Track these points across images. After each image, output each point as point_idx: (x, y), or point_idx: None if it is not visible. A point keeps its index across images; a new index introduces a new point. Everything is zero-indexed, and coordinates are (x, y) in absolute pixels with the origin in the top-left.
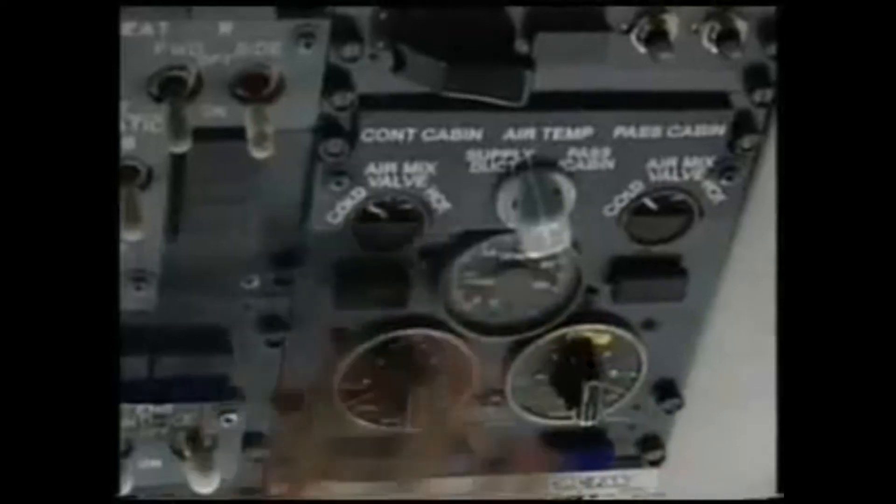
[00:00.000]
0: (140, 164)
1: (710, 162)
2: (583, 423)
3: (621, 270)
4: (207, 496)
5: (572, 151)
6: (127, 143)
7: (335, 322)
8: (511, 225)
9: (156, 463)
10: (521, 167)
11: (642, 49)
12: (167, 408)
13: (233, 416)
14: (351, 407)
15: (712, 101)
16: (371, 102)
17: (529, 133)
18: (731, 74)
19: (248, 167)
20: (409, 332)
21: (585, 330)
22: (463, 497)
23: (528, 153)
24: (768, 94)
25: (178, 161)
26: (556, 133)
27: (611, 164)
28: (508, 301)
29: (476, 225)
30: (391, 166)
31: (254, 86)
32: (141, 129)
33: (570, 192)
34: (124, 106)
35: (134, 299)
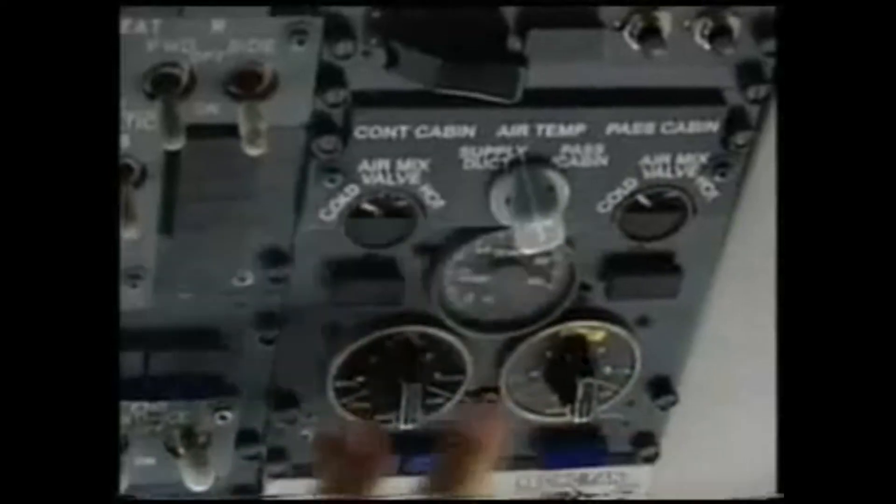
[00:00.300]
0: (134, 162)
1: (703, 158)
2: (577, 420)
3: (615, 267)
4: (203, 494)
5: (566, 148)
6: (121, 141)
7: (329, 319)
8: (505, 222)
9: (150, 460)
10: (515, 164)
11: (635, 46)
12: (162, 405)
13: (227, 414)
14: (345, 404)
15: (705, 98)
16: (364, 99)
17: (523, 130)
18: (725, 71)
19: (241, 164)
20: (404, 329)
21: (579, 327)
22: (462, 497)
23: (522, 150)
24: (762, 91)
25: (171, 158)
26: (550, 130)
27: (604, 161)
28: (502, 298)
29: (470, 222)
30: (384, 163)
31: (247, 83)
32: (134, 127)
33: (563, 189)
34: None
35: (128, 297)
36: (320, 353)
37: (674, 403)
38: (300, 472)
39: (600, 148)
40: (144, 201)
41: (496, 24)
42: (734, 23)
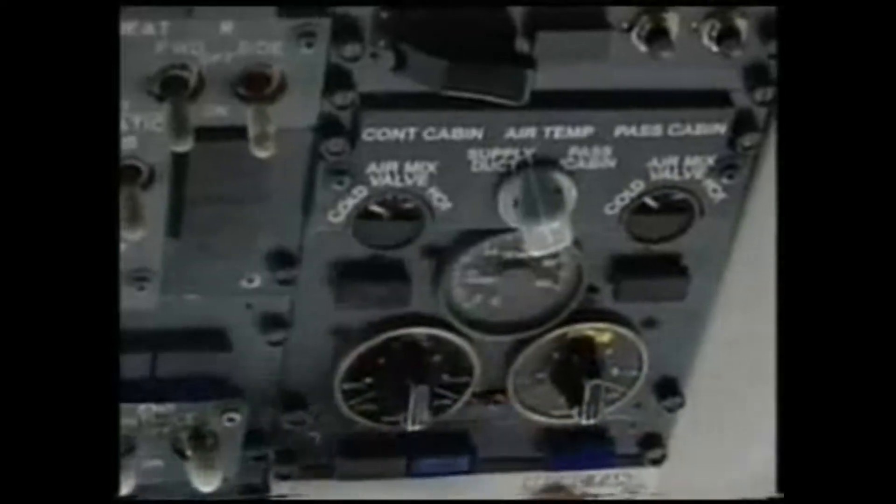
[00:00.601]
0: (142, 164)
1: (710, 160)
2: (584, 422)
3: (622, 269)
4: (210, 496)
5: (573, 150)
6: (128, 143)
7: (336, 321)
8: (512, 224)
9: (158, 462)
10: (522, 166)
11: (643, 48)
12: (169, 407)
13: (234, 416)
14: (352, 406)
15: (713, 100)
16: (372, 101)
17: (530, 132)
18: (732, 73)
19: (249, 166)
20: (411, 330)
21: (587, 328)
22: (466, 497)
23: (529, 152)
24: (769, 93)
25: (179, 160)
26: (557, 132)
27: (612, 163)
28: (510, 299)
29: (477, 224)
30: (392, 165)
31: (255, 85)
32: (142, 129)
33: (570, 191)
34: (126, 105)
35: (136, 299)
36: (328, 355)
37: (681, 405)
38: (307, 473)
39: (608, 150)
40: (152, 203)
41: (504, 26)
42: (742, 25)
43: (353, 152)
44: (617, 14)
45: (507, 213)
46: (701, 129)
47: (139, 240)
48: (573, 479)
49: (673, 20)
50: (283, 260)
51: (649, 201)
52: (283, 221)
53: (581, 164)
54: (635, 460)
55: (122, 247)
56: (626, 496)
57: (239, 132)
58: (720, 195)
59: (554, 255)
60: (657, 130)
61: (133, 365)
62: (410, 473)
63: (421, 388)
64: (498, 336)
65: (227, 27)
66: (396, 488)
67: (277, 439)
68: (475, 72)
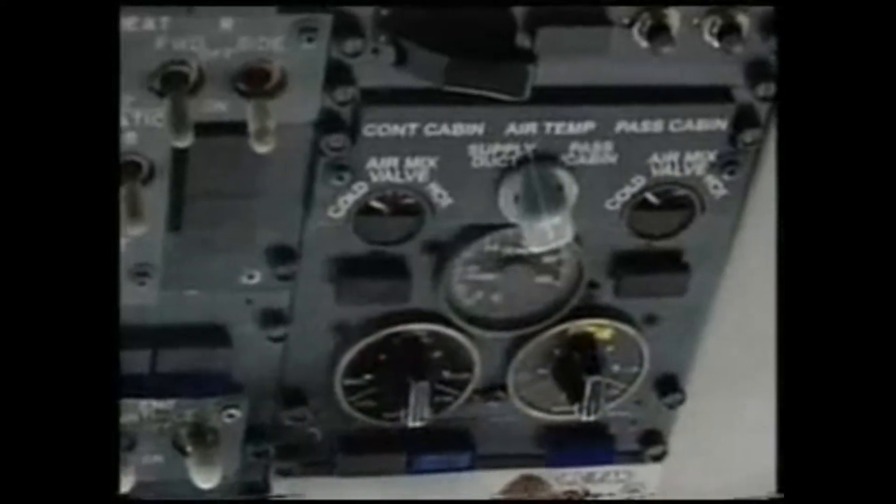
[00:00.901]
0: (142, 159)
1: (711, 156)
2: (584, 419)
3: (623, 265)
4: (209, 493)
5: (574, 146)
6: (129, 138)
7: (337, 317)
8: (513, 220)
9: (158, 458)
10: (523, 162)
11: (644, 43)
12: (169, 403)
13: (235, 412)
14: (353, 402)
15: (714, 96)
16: (373, 97)
17: (531, 127)
18: (733, 68)
19: (249, 162)
20: (412, 326)
21: (587, 325)
22: (463, 497)
23: (530, 148)
24: (770, 89)
25: (179, 156)
26: (558, 127)
27: (612, 159)
28: (510, 295)
29: (478, 219)
30: (393, 161)
31: (255, 80)
32: (143, 124)
33: (571, 187)
34: (126, 101)
35: (136, 294)
36: (328, 351)
37: (681, 402)
38: (308, 469)
39: (609, 146)
40: (152, 198)
41: (505, 22)
42: (743, 20)
43: (354, 148)
44: (618, 10)
45: (508, 208)
46: (702, 125)
47: (139, 235)
48: (573, 476)
49: (674, 16)
50: (283, 255)
51: (650, 197)
52: (284, 217)
53: (582, 160)
54: (636, 457)
55: (123, 242)
56: (626, 494)
57: (239, 127)
58: (721, 191)
59: (555, 251)
60: (658, 126)
61: (133, 361)
62: (411, 470)
63: (421, 384)
64: (498, 332)
65: (227, 23)
66: (396, 485)
67: (278, 435)
68: (476, 67)
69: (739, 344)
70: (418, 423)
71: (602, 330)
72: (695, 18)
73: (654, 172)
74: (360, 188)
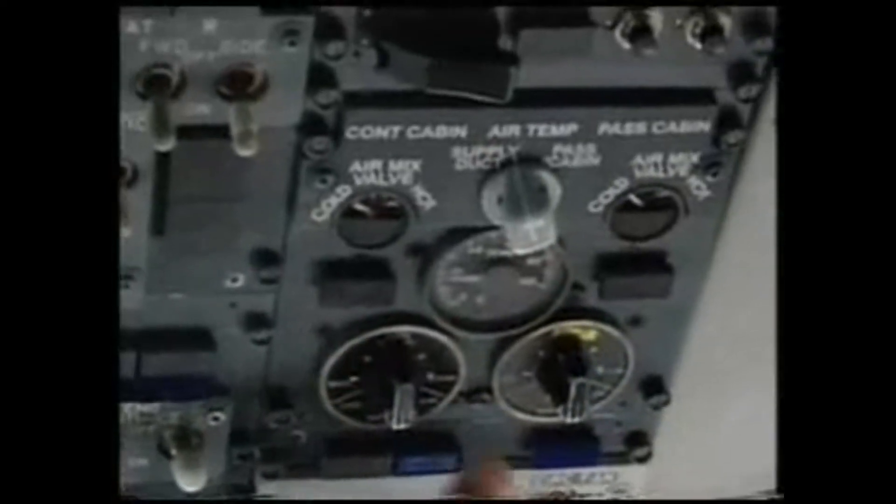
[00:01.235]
0: (125, 163)
1: (695, 158)
2: (569, 420)
3: (607, 267)
4: (196, 495)
5: (557, 148)
6: None
7: (321, 320)
8: (497, 222)
9: (143, 461)
10: (507, 164)
11: (626, 45)
12: (154, 406)
13: (219, 415)
14: (337, 404)
15: (697, 97)
16: (355, 100)
17: (514, 130)
18: (716, 70)
19: (232, 165)
20: (396, 329)
21: (572, 326)
22: (461, 497)
23: (513, 150)
24: (753, 90)
25: (162, 159)
26: (541, 130)
27: (596, 161)
28: (495, 298)
29: (462, 222)
30: (376, 164)
31: (238, 83)
32: (126, 127)
33: (555, 189)
34: None
35: (121, 298)
36: (313, 354)
37: (666, 403)
38: (293, 472)
39: (592, 148)
40: (136, 202)
41: (487, 24)
42: (726, 22)
43: (337, 151)
44: (600, 12)
45: (492, 210)
46: (685, 127)
47: (123, 238)
48: (559, 477)
49: (656, 18)
50: (266, 259)
51: (634, 199)
52: (267, 220)
53: (565, 162)
54: (621, 458)
55: None
56: (612, 495)
57: (222, 131)
58: (704, 192)
59: (538, 253)
60: (641, 128)
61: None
62: (396, 472)
63: (406, 386)
64: (483, 334)
65: (210, 26)
66: (381, 487)
67: (263, 438)
68: (458, 70)
69: (724, 345)
70: (403, 426)
71: (586, 332)
72: (677, 20)
73: (638, 174)
74: (344, 191)
